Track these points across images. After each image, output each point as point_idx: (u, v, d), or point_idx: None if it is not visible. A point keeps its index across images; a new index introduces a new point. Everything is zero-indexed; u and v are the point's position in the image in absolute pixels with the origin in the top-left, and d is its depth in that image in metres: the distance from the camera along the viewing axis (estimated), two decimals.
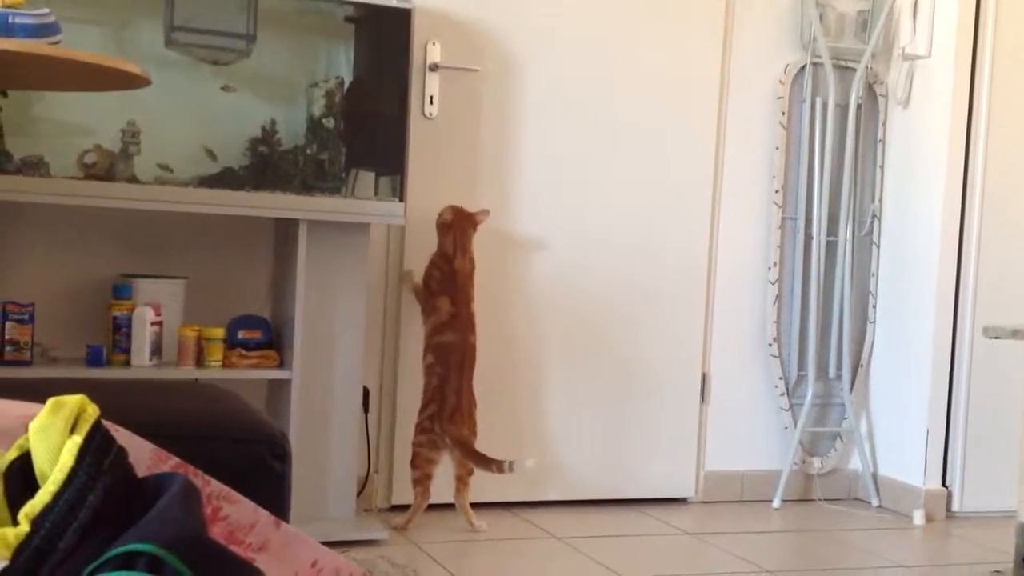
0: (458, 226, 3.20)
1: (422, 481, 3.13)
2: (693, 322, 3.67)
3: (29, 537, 0.60)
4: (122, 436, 0.77)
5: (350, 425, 3.07)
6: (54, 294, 3.00)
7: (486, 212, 3.25)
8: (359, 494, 3.22)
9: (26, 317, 2.77)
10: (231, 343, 2.99)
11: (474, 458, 3.12)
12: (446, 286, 3.18)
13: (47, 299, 2.97)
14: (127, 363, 2.84)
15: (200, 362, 2.93)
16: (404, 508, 3.28)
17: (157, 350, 2.90)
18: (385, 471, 3.37)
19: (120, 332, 2.85)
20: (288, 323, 3.00)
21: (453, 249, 3.19)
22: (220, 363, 2.93)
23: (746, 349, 3.74)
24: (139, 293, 2.91)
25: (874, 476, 3.76)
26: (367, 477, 3.32)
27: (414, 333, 3.35)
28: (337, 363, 3.04)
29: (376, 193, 3.13)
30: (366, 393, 3.23)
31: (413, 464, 3.15)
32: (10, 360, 2.75)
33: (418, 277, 3.27)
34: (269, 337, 3.05)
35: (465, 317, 3.19)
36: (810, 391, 3.71)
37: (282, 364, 3.01)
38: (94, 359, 2.83)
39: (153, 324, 2.87)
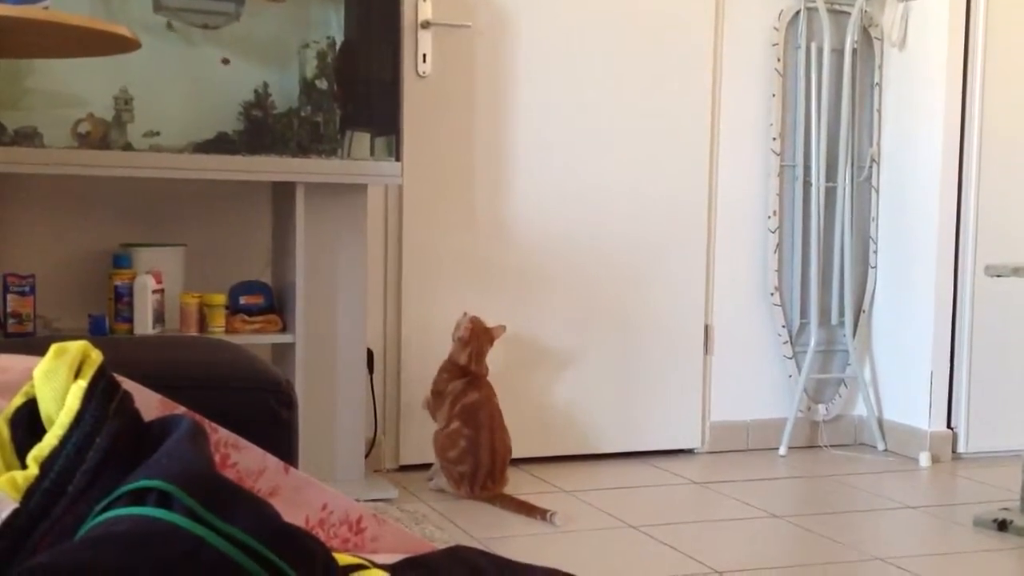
0: (474, 342, 3.13)
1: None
2: (695, 274, 3.66)
3: (39, 480, 0.60)
4: (128, 386, 0.77)
5: (355, 387, 3.08)
6: (54, 265, 3.00)
7: (503, 328, 3.18)
8: (367, 456, 3.23)
9: (27, 289, 2.77)
10: (233, 309, 3.00)
11: (515, 508, 2.96)
12: (456, 374, 3.12)
13: (47, 271, 2.97)
14: (130, 332, 2.84)
15: (203, 329, 2.93)
16: (412, 468, 3.30)
17: (160, 318, 2.90)
18: (392, 432, 3.38)
19: (122, 301, 2.85)
20: (289, 287, 3.00)
21: (468, 361, 3.12)
22: (223, 329, 2.93)
23: (748, 299, 3.74)
24: (139, 262, 2.91)
25: (879, 421, 3.78)
26: (374, 439, 3.33)
27: (416, 293, 3.35)
28: (340, 326, 3.04)
29: (372, 154, 3.11)
30: (370, 355, 3.23)
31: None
32: (13, 332, 2.75)
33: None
34: (271, 302, 3.05)
35: (483, 377, 3.13)
36: (813, 338, 3.72)
37: (285, 328, 3.01)
38: (97, 329, 2.83)
39: (154, 292, 2.87)
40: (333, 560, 0.64)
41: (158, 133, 2.90)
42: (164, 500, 0.56)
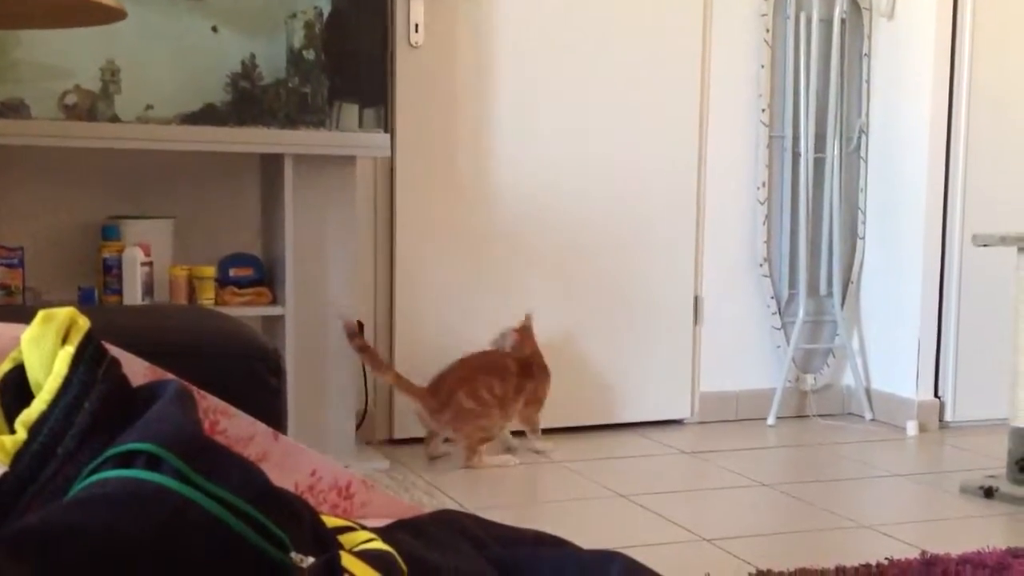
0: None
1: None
2: (684, 245, 3.67)
3: (27, 444, 0.61)
4: (115, 354, 0.77)
5: (346, 359, 3.08)
6: (43, 238, 2.99)
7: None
8: (358, 428, 3.24)
9: (16, 261, 2.76)
10: (223, 281, 2.99)
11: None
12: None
13: (36, 243, 2.96)
14: (120, 304, 2.84)
15: (193, 301, 2.93)
16: (404, 441, 3.31)
17: (149, 290, 2.90)
18: (384, 404, 3.39)
19: (111, 273, 2.85)
20: (279, 259, 2.99)
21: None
22: (213, 301, 2.93)
23: (737, 270, 3.74)
24: (128, 234, 2.90)
25: (867, 390, 3.80)
26: (365, 411, 3.33)
27: (407, 266, 3.35)
28: (331, 298, 3.04)
29: (361, 125, 3.10)
30: (361, 328, 3.23)
31: None
32: (2, 305, 2.74)
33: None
34: (261, 274, 3.05)
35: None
36: (802, 309, 3.73)
37: (275, 301, 3.01)
38: (86, 301, 2.83)
39: (143, 265, 2.86)
40: (321, 521, 0.65)
41: (151, 107, 2.88)
42: (152, 462, 0.57)
